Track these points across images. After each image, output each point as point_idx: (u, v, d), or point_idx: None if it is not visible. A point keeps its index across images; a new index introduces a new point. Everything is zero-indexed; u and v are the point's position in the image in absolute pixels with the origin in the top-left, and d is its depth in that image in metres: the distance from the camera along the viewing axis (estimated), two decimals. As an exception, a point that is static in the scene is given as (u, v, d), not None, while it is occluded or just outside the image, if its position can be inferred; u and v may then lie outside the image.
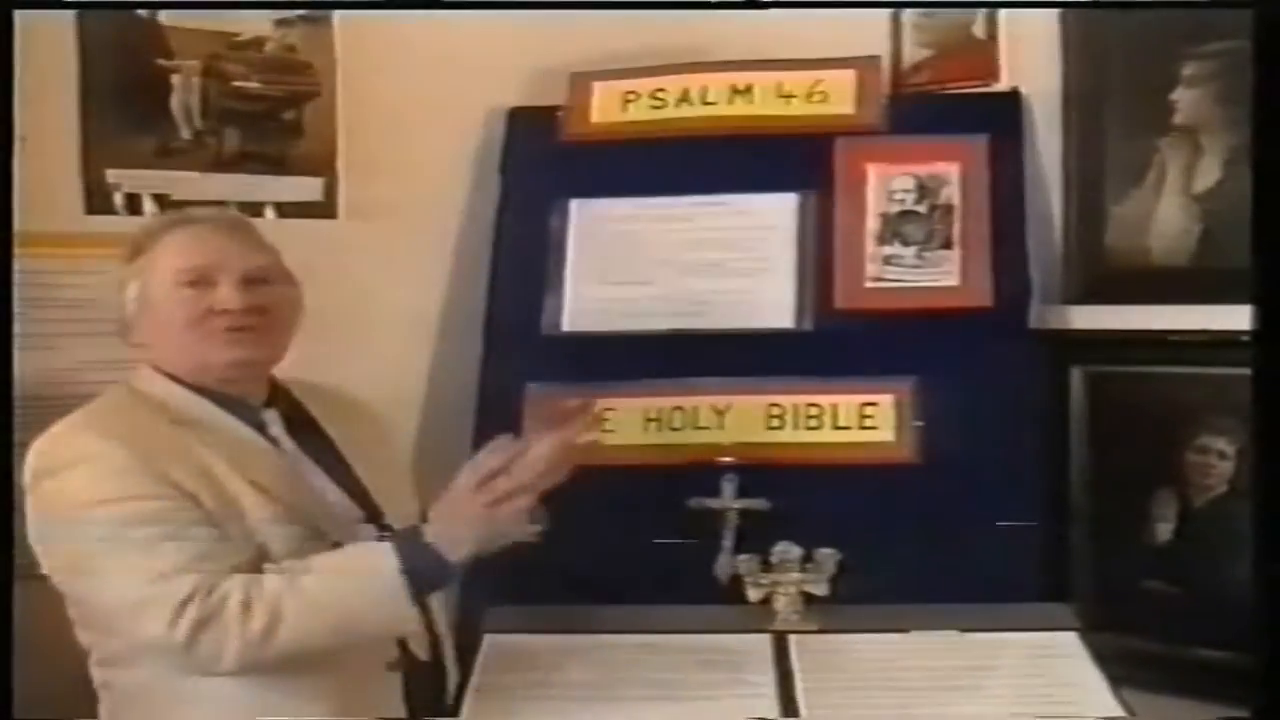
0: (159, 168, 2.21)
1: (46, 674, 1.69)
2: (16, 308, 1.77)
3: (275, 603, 1.55)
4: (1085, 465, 2.22)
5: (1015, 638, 1.87)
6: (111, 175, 2.18)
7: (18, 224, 1.73)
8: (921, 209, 2.28)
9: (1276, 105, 1.63)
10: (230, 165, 2.28)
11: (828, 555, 1.99)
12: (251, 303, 1.68)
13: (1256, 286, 1.62)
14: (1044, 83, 2.30)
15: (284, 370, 1.79)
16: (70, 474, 1.60)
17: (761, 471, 2.12)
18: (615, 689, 1.76)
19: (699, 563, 2.07)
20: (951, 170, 2.28)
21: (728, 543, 2.08)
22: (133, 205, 2.19)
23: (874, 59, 2.41)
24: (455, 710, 1.72)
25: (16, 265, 1.73)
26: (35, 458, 1.62)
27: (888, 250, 2.27)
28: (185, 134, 2.24)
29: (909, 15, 2.44)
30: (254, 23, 2.30)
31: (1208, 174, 2.14)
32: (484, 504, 1.59)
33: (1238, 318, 1.74)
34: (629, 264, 2.34)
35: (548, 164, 2.41)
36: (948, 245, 2.25)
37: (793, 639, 1.88)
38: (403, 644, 1.70)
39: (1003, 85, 2.35)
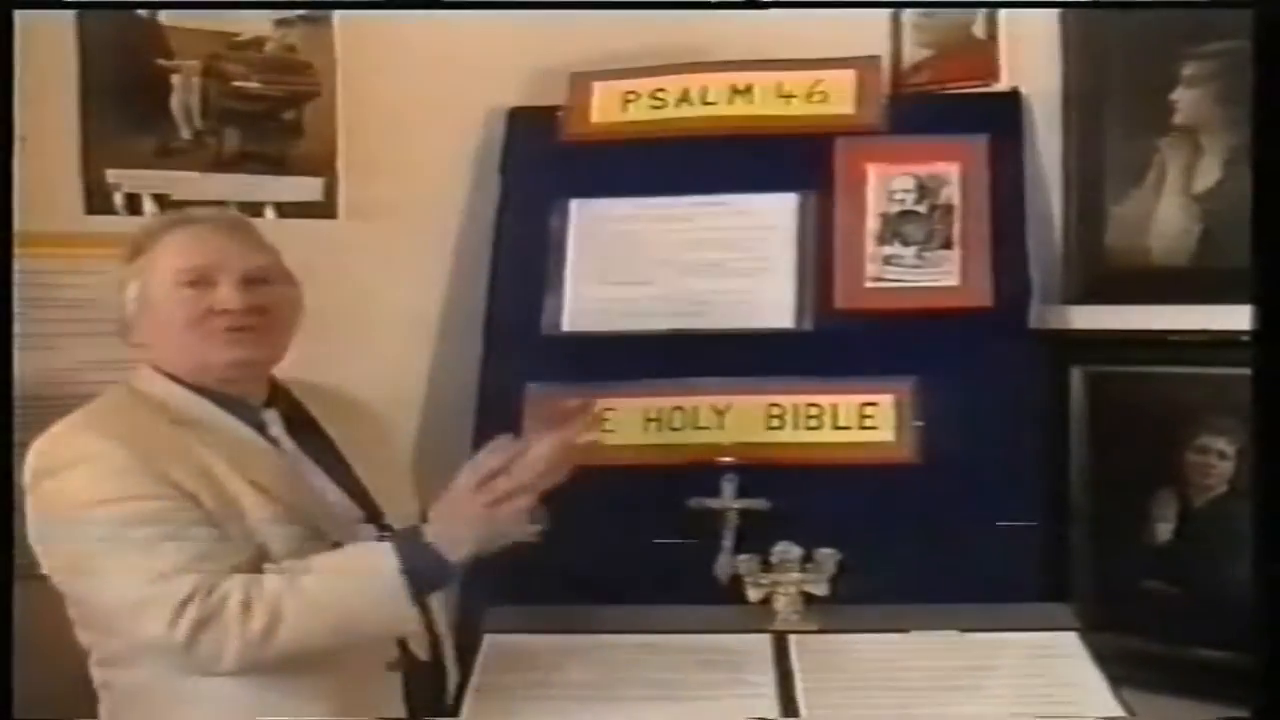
0: (159, 168, 2.21)
1: (46, 674, 1.69)
2: (16, 308, 1.77)
3: (275, 603, 1.55)
4: (1085, 465, 2.22)
5: (1015, 638, 1.87)
6: (111, 175, 2.17)
7: (18, 224, 1.73)
8: (921, 209, 2.28)
9: (1276, 105, 1.63)
10: (230, 165, 2.28)
11: (828, 555, 1.99)
12: (251, 303, 1.68)
13: (1256, 286, 1.62)
14: (1044, 83, 2.30)
15: (284, 370, 1.79)
16: (70, 474, 1.59)
17: (761, 471, 2.12)
18: (615, 689, 1.76)
19: (699, 563, 2.07)
20: (951, 170, 2.28)
21: (728, 543, 2.08)
22: (133, 205, 2.19)
23: (874, 59, 2.41)
24: (455, 710, 1.72)
25: (16, 265, 1.73)
26: (35, 458, 1.62)
27: (888, 250, 2.27)
28: (185, 134, 2.24)
29: (909, 15, 2.44)
30: (254, 23, 2.29)
31: (1208, 174, 2.13)
32: (484, 504, 1.59)
33: (1238, 318, 1.74)
34: (629, 264, 2.34)
35: (548, 164, 2.41)
36: (948, 245, 2.25)
37: (793, 639, 1.88)
38: (403, 644, 1.70)
39: (1003, 85, 2.35)
